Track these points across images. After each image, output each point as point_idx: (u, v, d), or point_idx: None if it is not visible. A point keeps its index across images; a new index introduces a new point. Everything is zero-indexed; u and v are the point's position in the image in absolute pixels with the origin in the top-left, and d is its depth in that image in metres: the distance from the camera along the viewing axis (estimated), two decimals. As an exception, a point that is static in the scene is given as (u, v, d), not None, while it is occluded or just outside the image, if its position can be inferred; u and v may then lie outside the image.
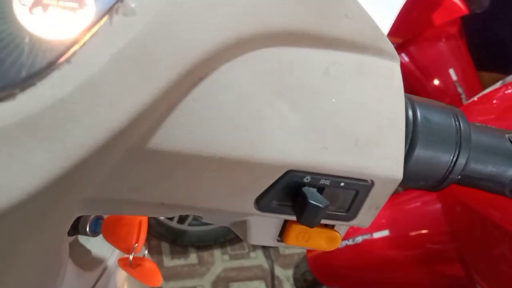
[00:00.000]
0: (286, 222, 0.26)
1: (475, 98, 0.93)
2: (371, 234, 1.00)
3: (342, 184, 0.23)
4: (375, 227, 1.01)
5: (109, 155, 0.18)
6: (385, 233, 0.99)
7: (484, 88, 0.95)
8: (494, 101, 0.91)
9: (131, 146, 0.19)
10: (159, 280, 0.49)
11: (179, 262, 1.60)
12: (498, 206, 0.75)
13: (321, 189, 0.23)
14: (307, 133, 0.22)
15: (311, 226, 0.23)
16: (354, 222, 0.26)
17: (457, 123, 0.26)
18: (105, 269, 0.51)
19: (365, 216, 0.25)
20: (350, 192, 0.24)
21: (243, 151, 0.21)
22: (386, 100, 0.24)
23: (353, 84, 0.23)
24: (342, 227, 0.27)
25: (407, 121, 0.25)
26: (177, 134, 0.20)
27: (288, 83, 0.22)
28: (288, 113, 0.22)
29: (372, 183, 0.23)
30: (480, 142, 0.27)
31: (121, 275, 0.55)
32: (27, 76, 0.15)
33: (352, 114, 0.23)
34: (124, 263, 0.47)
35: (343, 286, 1.14)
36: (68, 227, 0.24)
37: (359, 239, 1.00)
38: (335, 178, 0.23)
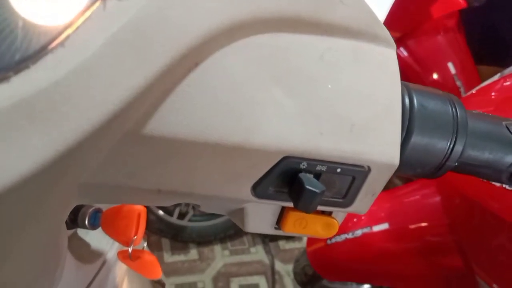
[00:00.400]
0: (283, 209, 0.26)
1: (473, 91, 0.93)
2: (371, 228, 1.00)
3: (338, 170, 0.23)
4: (375, 220, 1.01)
5: (104, 140, 0.18)
6: (384, 226, 0.99)
7: (482, 81, 0.95)
8: (493, 93, 0.91)
9: (126, 131, 0.19)
10: (159, 273, 0.49)
11: (179, 258, 1.60)
12: (497, 197, 0.76)
13: (317, 175, 0.23)
14: (302, 119, 0.22)
15: (308, 212, 0.23)
16: (351, 209, 0.26)
17: (453, 109, 0.26)
18: (104, 262, 0.51)
19: (362, 202, 0.25)
20: (347, 178, 0.24)
21: (238, 137, 0.21)
22: (382, 86, 0.24)
23: (349, 70, 0.23)
24: (339, 214, 0.27)
25: (403, 108, 0.25)
26: (173, 119, 0.20)
27: (283, 69, 0.22)
28: (283, 99, 0.22)
29: (369, 169, 0.23)
30: (477, 128, 0.27)
31: (121, 268, 0.55)
32: (21, 59, 0.15)
33: (348, 100, 0.23)
34: (123, 256, 0.47)
35: (343, 279, 1.14)
36: (65, 216, 0.24)
37: (358, 232, 1.01)
38: (332, 164, 0.23)
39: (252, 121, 0.21)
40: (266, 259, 1.65)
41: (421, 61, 1.45)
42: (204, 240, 1.65)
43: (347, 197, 0.25)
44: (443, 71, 1.45)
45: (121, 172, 0.21)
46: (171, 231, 1.60)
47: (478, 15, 1.57)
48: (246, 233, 1.72)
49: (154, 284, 0.85)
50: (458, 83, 1.45)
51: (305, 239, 1.72)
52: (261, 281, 1.58)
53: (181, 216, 1.61)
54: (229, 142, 0.21)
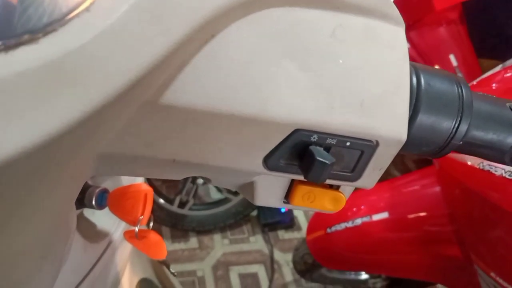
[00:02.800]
0: (292, 183, 0.27)
1: (474, 82, 0.93)
2: (371, 217, 1.01)
3: (347, 143, 0.24)
4: (374, 209, 1.02)
5: (124, 107, 0.18)
6: (384, 215, 1.00)
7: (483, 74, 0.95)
8: (494, 85, 0.91)
9: (145, 100, 0.19)
10: (164, 253, 0.50)
11: (179, 246, 1.62)
12: (496, 187, 0.76)
13: (327, 149, 0.24)
14: (314, 92, 0.22)
15: (317, 182, 0.23)
16: (359, 183, 0.26)
17: (459, 90, 0.27)
18: (110, 242, 0.51)
19: (369, 177, 0.26)
20: (355, 152, 0.24)
21: (253, 108, 0.21)
22: (391, 63, 0.24)
23: (359, 47, 0.23)
24: (346, 188, 0.28)
25: (410, 87, 0.25)
26: (189, 90, 0.20)
27: (296, 43, 0.22)
28: (296, 72, 0.22)
29: (377, 143, 0.24)
30: (482, 109, 0.27)
31: (125, 249, 0.56)
32: (49, 22, 0.15)
33: (358, 76, 0.23)
34: (129, 235, 0.48)
35: (342, 268, 1.16)
36: (80, 186, 0.25)
37: (358, 221, 1.02)
38: (341, 138, 0.23)
39: (266, 93, 0.21)
40: (265, 249, 1.66)
41: (423, 53, 1.45)
42: (204, 229, 1.66)
43: (355, 171, 0.25)
44: (445, 63, 1.45)
45: (138, 141, 0.21)
46: (172, 219, 1.62)
47: (480, 8, 1.57)
48: (246, 223, 1.73)
49: (156, 265, 0.86)
50: (460, 75, 1.45)
51: (304, 229, 1.73)
52: (260, 270, 1.59)
53: (182, 205, 1.62)
54: (243, 114, 0.21)
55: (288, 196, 0.27)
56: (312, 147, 0.23)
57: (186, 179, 1.59)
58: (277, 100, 0.22)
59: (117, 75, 0.16)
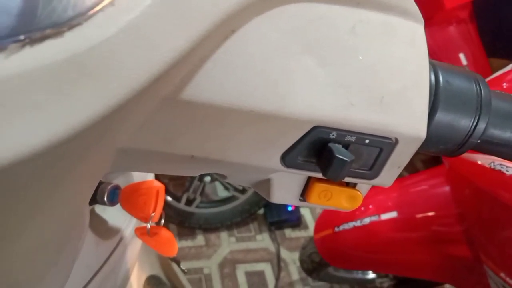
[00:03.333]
0: (308, 181, 0.27)
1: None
2: (379, 216, 1.01)
3: (366, 141, 0.23)
4: (383, 208, 1.02)
5: (146, 102, 0.18)
6: (392, 214, 0.99)
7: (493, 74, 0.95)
8: (504, 84, 0.90)
9: (165, 96, 0.19)
10: (175, 250, 0.50)
11: (186, 243, 1.62)
12: (507, 187, 0.76)
13: (346, 146, 0.24)
14: (334, 89, 0.22)
15: (336, 180, 0.23)
16: (376, 181, 0.26)
17: (478, 87, 0.26)
18: (121, 238, 0.51)
19: (387, 174, 0.26)
20: (374, 149, 0.24)
21: (272, 105, 0.21)
22: (411, 59, 0.24)
23: (379, 43, 0.23)
24: (363, 187, 0.28)
25: (429, 84, 0.25)
26: (209, 86, 0.20)
27: (316, 39, 0.22)
28: (315, 68, 0.22)
29: (396, 141, 0.24)
30: (500, 107, 0.27)
31: (137, 246, 0.56)
32: (74, 16, 0.15)
33: (378, 72, 0.23)
34: (141, 232, 0.48)
35: (350, 267, 1.15)
36: (97, 181, 0.25)
37: (366, 220, 1.01)
38: (360, 135, 0.23)
39: (286, 89, 0.21)
40: (272, 247, 1.66)
41: (432, 52, 1.44)
42: (211, 226, 1.66)
43: (373, 168, 0.25)
44: (455, 62, 1.44)
45: (157, 137, 0.21)
46: (179, 217, 1.62)
47: (490, 7, 1.56)
48: (253, 221, 1.73)
49: (164, 262, 0.87)
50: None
51: (311, 228, 1.73)
52: (267, 268, 1.60)
53: (189, 202, 1.62)
54: (262, 110, 0.21)
55: (304, 194, 0.27)
56: (331, 144, 0.23)
57: (193, 177, 1.59)
58: (296, 96, 0.22)
59: (140, 70, 0.16)
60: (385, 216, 1.00)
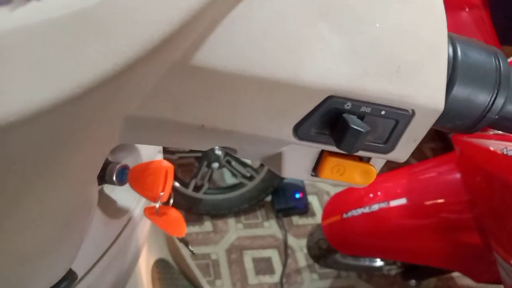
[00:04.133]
0: (321, 155, 0.26)
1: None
2: (388, 203, 1.00)
3: (382, 112, 0.23)
4: (392, 195, 1.01)
5: (155, 64, 0.18)
6: (402, 201, 0.99)
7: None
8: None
9: (175, 61, 0.19)
10: (184, 230, 0.50)
11: (194, 229, 1.63)
12: (519, 173, 0.75)
13: (361, 117, 0.23)
14: (349, 57, 0.21)
15: (350, 152, 0.23)
16: (391, 155, 0.25)
17: (497, 62, 0.26)
18: (130, 218, 0.51)
19: (403, 148, 0.25)
20: (390, 121, 0.23)
21: (285, 72, 0.20)
22: (429, 28, 0.23)
23: (396, 10, 0.22)
24: (378, 161, 0.27)
25: (447, 57, 0.24)
26: (220, 51, 0.19)
27: (331, 5, 0.21)
28: (330, 36, 0.21)
29: (413, 113, 0.23)
30: None
31: (145, 226, 0.56)
32: None
33: (394, 40, 0.22)
34: (150, 212, 0.48)
35: (357, 253, 1.15)
36: (105, 154, 0.24)
37: (375, 207, 1.01)
38: (376, 106, 0.23)
39: (299, 57, 0.21)
40: (279, 234, 1.66)
41: (444, 38, 1.42)
42: (218, 213, 1.66)
43: (388, 142, 0.25)
44: (467, 49, 1.41)
45: (166, 104, 0.21)
46: (186, 203, 1.62)
47: (504, -7, 1.52)
48: (260, 208, 1.73)
49: (172, 246, 0.87)
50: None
51: (318, 215, 1.73)
52: (274, 254, 1.60)
53: (197, 188, 1.62)
54: (275, 78, 0.20)
55: (316, 168, 0.26)
56: (345, 115, 0.22)
57: (201, 163, 1.59)
58: (310, 64, 0.21)
59: (150, 28, 0.15)
60: (394, 203, 0.99)
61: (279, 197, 1.70)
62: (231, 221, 1.68)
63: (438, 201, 0.97)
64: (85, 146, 0.19)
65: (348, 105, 0.22)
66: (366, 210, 1.02)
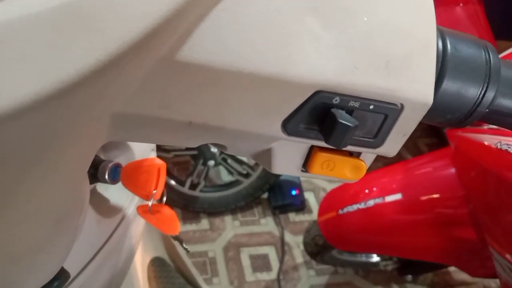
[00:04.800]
0: (311, 151, 0.26)
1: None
2: (383, 198, 1.00)
3: (371, 107, 0.23)
4: (387, 191, 1.01)
5: (141, 59, 0.17)
6: (397, 196, 0.99)
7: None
8: None
9: (161, 57, 0.19)
10: (177, 228, 0.50)
11: (190, 227, 1.63)
12: (513, 168, 0.75)
13: (349, 112, 0.23)
14: (338, 52, 0.21)
15: (339, 147, 0.23)
16: (381, 150, 0.25)
17: (487, 55, 0.26)
18: (123, 217, 0.51)
19: (393, 143, 0.25)
20: (379, 116, 0.23)
21: (273, 67, 0.20)
22: (418, 23, 0.23)
23: (385, 5, 0.22)
24: (367, 156, 0.27)
25: (436, 50, 0.24)
26: (206, 46, 0.19)
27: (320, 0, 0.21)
28: (319, 30, 0.21)
29: (402, 107, 0.23)
30: (509, 76, 0.26)
31: (138, 225, 0.56)
32: None
33: (384, 35, 0.22)
34: (143, 210, 0.48)
35: (354, 249, 1.15)
36: (94, 151, 0.24)
37: (371, 202, 1.01)
38: (365, 101, 0.22)
39: (288, 51, 0.20)
40: (275, 231, 1.66)
41: (438, 33, 1.42)
42: (215, 210, 1.66)
43: (378, 136, 0.25)
44: (461, 44, 1.42)
45: (154, 101, 0.21)
46: (183, 201, 1.62)
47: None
48: (257, 205, 1.73)
49: (168, 245, 0.87)
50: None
51: (315, 212, 1.73)
52: (271, 251, 1.60)
53: (193, 187, 1.62)
54: (262, 73, 0.20)
55: (306, 164, 0.26)
56: (334, 110, 0.22)
57: (197, 161, 1.59)
58: (298, 59, 0.21)
59: (135, 21, 0.15)
60: (389, 198, 0.99)
61: (276, 194, 1.71)
62: (227, 218, 1.68)
63: (433, 196, 0.98)
64: (72, 142, 0.19)
65: (336, 100, 0.22)
66: (361, 206, 1.02)
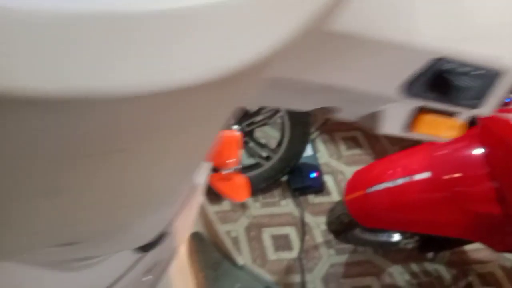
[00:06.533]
0: (416, 112, 0.29)
1: None
2: (411, 177, 1.04)
3: (480, 71, 0.26)
4: (415, 170, 1.05)
5: (309, 34, 0.21)
6: (425, 175, 1.02)
7: None
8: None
9: (322, 29, 0.22)
10: (246, 195, 0.54)
11: (213, 208, 1.67)
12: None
13: (461, 77, 0.26)
14: (454, 24, 0.25)
15: (452, 107, 0.26)
16: (479, 110, 0.29)
17: None
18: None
19: (489, 104, 0.29)
20: (484, 80, 0.27)
21: (400, 36, 0.24)
22: None
23: None
24: (464, 117, 0.30)
25: None
26: (355, 19, 0.23)
27: None
28: (438, 5, 0.25)
29: (504, 72, 0.27)
30: None
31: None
32: None
33: (492, 9, 0.25)
34: (217, 178, 0.52)
35: (381, 226, 1.19)
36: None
37: (399, 181, 1.04)
38: (476, 67, 0.26)
39: (412, 23, 0.24)
40: (295, 212, 1.71)
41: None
42: (236, 192, 1.70)
43: (479, 98, 0.28)
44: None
45: (301, 66, 0.24)
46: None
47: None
48: (277, 187, 1.77)
49: (207, 221, 0.91)
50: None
51: (333, 194, 1.77)
52: (292, 231, 1.65)
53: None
54: (393, 41, 0.24)
55: (410, 125, 0.30)
56: (448, 74, 0.26)
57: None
58: (422, 30, 0.24)
59: (310, 3, 0.19)
60: (418, 177, 1.03)
61: (295, 177, 1.74)
62: (248, 200, 1.72)
63: (459, 174, 1.01)
64: (240, 102, 0.22)
65: (451, 65, 0.26)
66: (389, 184, 1.06)
